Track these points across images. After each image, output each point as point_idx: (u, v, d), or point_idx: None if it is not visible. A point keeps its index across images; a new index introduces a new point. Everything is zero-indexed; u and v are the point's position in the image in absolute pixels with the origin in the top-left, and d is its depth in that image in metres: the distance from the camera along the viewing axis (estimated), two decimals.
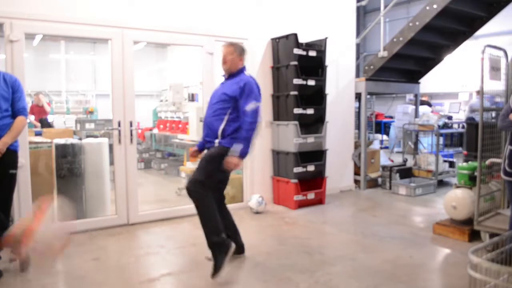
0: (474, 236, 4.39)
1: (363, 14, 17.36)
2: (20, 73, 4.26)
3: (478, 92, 10.62)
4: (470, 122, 7.08)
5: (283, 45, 5.94)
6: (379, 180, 7.36)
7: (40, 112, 8.90)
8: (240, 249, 3.93)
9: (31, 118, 8.49)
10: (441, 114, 10.31)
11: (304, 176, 5.88)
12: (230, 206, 5.79)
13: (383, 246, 4.30)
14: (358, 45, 8.34)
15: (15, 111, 3.57)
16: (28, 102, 9.67)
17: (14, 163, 3.61)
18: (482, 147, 4.16)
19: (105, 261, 3.94)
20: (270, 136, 6.15)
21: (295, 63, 5.72)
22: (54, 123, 9.18)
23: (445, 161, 7.78)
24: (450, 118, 11.18)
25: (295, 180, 5.78)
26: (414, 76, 8.01)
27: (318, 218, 5.45)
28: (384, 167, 7.30)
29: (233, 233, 3.90)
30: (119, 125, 4.95)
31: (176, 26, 5.25)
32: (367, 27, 7.87)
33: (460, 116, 12.65)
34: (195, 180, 3.53)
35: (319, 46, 6.08)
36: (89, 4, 4.73)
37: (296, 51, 5.74)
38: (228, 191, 5.89)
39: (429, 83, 11.84)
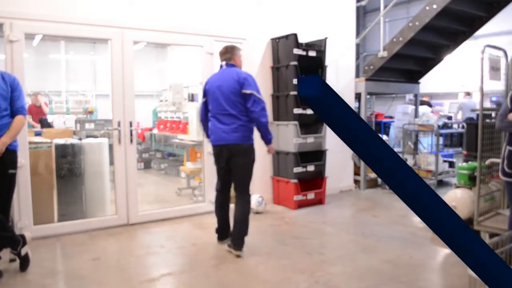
0: None
1: (363, 14, 17.36)
2: (20, 73, 4.25)
3: (467, 93, 10.66)
4: (470, 122, 7.07)
5: (283, 45, 5.94)
6: (379, 180, 7.36)
7: (38, 112, 8.88)
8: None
9: (29, 118, 8.48)
10: (441, 114, 10.31)
11: (304, 176, 5.88)
12: (229, 206, 5.82)
13: (383, 246, 4.30)
14: (358, 45, 8.34)
15: (14, 110, 3.55)
16: (28, 102, 9.68)
17: (14, 163, 3.60)
18: (482, 147, 4.16)
19: (105, 261, 3.94)
20: None
21: (295, 63, 5.72)
22: (54, 123, 9.17)
23: (445, 161, 7.78)
24: (450, 118, 11.19)
25: (295, 180, 5.78)
26: (414, 76, 8.01)
27: (318, 218, 5.45)
28: None
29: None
30: (119, 125, 4.94)
31: (176, 26, 5.25)
32: (367, 27, 7.87)
33: (457, 116, 12.63)
34: None
35: (319, 46, 6.08)
36: (89, 4, 4.73)
37: (296, 51, 5.74)
38: None
39: (429, 83, 11.84)
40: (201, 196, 5.86)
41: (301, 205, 5.87)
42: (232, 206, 4.18)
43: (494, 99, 4.46)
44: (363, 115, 7.13)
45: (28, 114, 8.53)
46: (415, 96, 8.35)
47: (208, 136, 4.24)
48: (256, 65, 5.96)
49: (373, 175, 7.27)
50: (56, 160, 4.99)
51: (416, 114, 8.44)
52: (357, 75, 7.49)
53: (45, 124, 8.77)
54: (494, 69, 4.25)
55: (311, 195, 5.96)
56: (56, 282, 3.53)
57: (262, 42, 6.04)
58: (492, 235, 4.03)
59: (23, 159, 4.32)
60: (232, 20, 5.75)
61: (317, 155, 6.06)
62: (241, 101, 3.93)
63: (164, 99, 9.94)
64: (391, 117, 12.89)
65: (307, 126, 6.02)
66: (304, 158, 5.88)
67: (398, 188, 0.70)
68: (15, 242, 3.60)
